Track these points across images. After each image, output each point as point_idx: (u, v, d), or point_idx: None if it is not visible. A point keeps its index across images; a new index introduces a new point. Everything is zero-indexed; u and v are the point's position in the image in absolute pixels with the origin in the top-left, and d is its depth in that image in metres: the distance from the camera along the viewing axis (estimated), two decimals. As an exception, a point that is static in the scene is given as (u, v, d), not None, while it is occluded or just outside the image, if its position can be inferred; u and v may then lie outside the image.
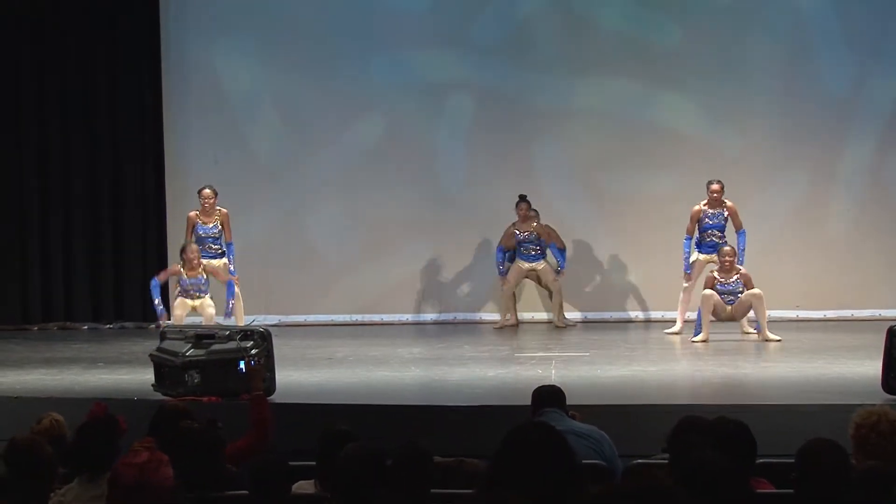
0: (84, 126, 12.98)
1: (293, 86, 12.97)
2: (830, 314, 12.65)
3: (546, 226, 12.29)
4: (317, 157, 13.04)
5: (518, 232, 12.24)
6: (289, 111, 13.04)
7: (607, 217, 12.92)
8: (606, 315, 12.85)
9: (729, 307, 10.94)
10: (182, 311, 11.33)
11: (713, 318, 10.94)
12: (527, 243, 12.25)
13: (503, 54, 12.92)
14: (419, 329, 12.65)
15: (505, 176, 12.77)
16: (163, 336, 8.31)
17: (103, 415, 5.22)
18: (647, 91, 12.81)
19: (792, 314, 12.60)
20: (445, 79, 12.92)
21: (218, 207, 11.67)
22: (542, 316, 12.83)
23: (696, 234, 11.40)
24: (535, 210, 12.26)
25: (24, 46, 12.88)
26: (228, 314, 11.46)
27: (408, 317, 12.97)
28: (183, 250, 11.34)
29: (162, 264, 12.56)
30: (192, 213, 11.70)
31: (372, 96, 12.97)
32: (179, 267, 11.35)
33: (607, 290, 12.95)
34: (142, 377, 8.37)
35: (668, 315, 12.00)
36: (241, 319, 11.42)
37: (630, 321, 12.77)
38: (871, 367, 8.00)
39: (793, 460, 4.06)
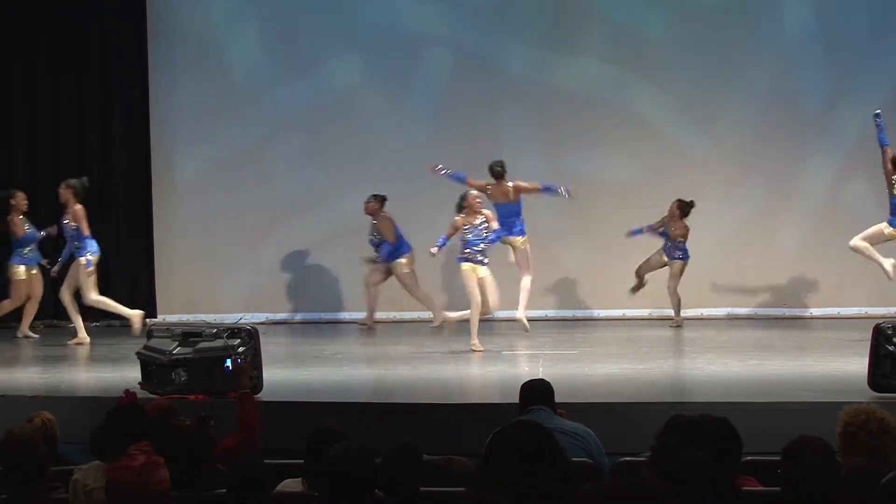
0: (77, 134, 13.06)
1: (278, 11, 13.06)
2: (816, 312, 12.73)
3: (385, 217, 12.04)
4: (288, 88, 13.06)
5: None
6: (270, 37, 13.09)
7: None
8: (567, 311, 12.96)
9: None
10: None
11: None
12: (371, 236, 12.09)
13: (489, 19, 13.00)
14: (405, 328, 12.65)
15: (470, 139, 12.80)
16: (150, 334, 8.30)
17: (132, 403, 5.28)
18: (623, 78, 12.90)
19: (779, 311, 12.69)
20: (428, 32, 13.00)
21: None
22: (537, 314, 12.86)
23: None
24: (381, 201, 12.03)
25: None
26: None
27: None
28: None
29: (149, 260, 12.58)
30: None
31: (353, 37, 13.03)
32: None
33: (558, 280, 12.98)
34: (129, 375, 8.35)
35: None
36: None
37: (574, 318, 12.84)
38: (857, 365, 8.02)
39: (779, 458, 4.07)
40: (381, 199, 12.02)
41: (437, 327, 11.39)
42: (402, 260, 11.96)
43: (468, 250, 10.38)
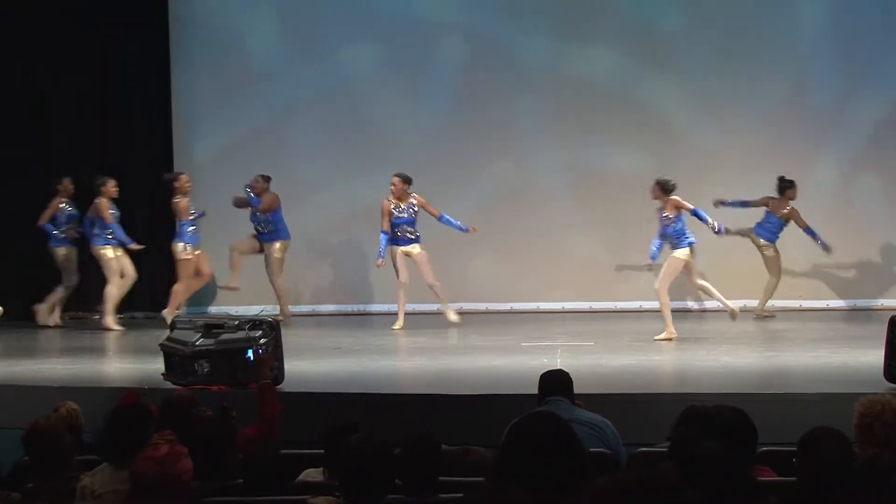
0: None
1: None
2: (834, 304, 12.68)
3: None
4: (304, 74, 13.11)
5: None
6: (287, 24, 13.13)
7: (574, 184, 12.99)
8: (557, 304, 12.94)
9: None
10: None
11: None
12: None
13: (504, 8, 13.02)
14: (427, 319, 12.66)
15: (483, 128, 12.86)
16: (173, 326, 8.33)
17: (134, 402, 5.27)
18: (636, 70, 12.89)
19: (795, 304, 12.65)
20: (443, 20, 13.03)
21: None
22: (550, 306, 12.87)
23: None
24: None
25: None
26: None
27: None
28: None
29: (168, 255, 12.65)
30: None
31: (368, 25, 13.05)
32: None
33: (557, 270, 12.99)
34: (152, 366, 8.39)
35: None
36: None
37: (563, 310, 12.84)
38: (874, 357, 7.99)
39: (795, 448, 4.06)
40: (267, 179, 12.07)
41: (283, 321, 11.43)
42: (277, 245, 12.06)
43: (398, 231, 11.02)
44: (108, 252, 11.91)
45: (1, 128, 13.01)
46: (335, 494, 4.25)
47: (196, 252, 11.93)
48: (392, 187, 11.56)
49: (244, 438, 5.51)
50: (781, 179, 11.84)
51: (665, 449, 4.52)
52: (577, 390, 5.88)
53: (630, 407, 7.01)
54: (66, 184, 12.22)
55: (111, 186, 11.91)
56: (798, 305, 12.67)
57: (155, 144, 13.26)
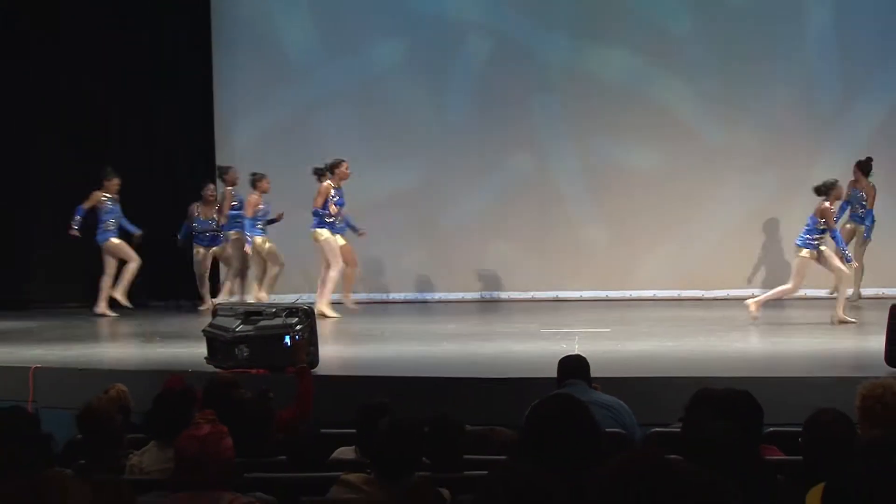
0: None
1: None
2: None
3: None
4: (337, 66, 13.09)
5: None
6: (322, 19, 13.16)
7: (590, 178, 12.93)
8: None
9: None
10: None
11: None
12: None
13: (528, 9, 12.97)
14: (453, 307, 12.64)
15: (503, 123, 12.83)
16: (215, 313, 8.35)
17: (180, 386, 5.29)
18: (651, 71, 12.84)
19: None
20: (470, 19, 13.01)
21: None
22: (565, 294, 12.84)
23: None
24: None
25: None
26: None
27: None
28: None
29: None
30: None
31: (400, 21, 13.04)
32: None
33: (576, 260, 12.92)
34: (196, 351, 8.40)
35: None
36: None
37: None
38: (876, 342, 7.92)
39: (801, 429, 4.02)
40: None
41: (205, 310, 11.65)
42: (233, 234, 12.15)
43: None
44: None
45: (58, 126, 13.05)
46: (367, 471, 4.25)
47: (266, 244, 11.94)
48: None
49: (281, 419, 5.52)
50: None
51: (677, 429, 4.49)
52: (593, 374, 5.86)
53: (644, 389, 6.97)
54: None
55: (265, 182, 11.92)
56: (803, 294, 12.56)
57: (198, 134, 13.29)
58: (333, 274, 11.32)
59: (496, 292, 13.02)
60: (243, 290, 12.24)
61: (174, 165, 13.38)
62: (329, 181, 11.29)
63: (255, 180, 11.99)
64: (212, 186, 12.45)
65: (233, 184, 12.24)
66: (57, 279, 13.11)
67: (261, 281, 12.12)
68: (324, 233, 11.31)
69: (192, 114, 13.31)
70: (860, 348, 8.57)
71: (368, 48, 13.12)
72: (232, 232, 12.24)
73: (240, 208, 12.13)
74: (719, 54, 12.78)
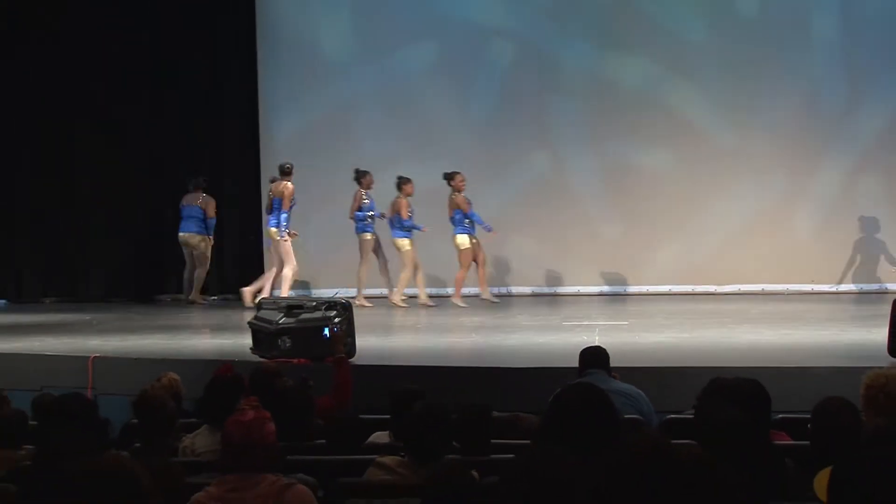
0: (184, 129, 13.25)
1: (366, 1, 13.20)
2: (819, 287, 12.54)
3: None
4: (371, 68, 13.11)
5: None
6: (358, 23, 13.18)
7: (607, 178, 12.87)
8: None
9: None
10: None
11: None
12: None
13: (550, 16, 12.93)
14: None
15: (524, 126, 12.82)
16: (259, 306, 8.39)
17: (229, 374, 5.34)
18: (665, 77, 12.79)
19: (807, 287, 12.51)
20: (494, 25, 13.00)
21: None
22: (589, 289, 12.82)
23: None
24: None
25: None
26: None
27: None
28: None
29: (257, 247, 12.68)
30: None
31: (429, 26, 13.04)
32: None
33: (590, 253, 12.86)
34: (241, 342, 8.45)
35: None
36: None
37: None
38: (879, 334, 7.87)
39: (809, 416, 4.01)
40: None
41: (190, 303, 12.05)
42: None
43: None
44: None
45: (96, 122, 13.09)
46: (400, 454, 4.26)
47: (473, 241, 11.56)
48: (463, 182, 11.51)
49: (320, 405, 5.54)
50: None
51: (691, 416, 4.49)
52: (613, 364, 5.85)
53: (660, 379, 6.95)
54: (369, 178, 11.81)
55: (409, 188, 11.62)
56: (810, 289, 12.50)
57: (244, 129, 13.31)
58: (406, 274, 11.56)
59: (521, 287, 13.00)
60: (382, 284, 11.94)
61: (220, 166, 13.38)
62: (401, 196, 11.54)
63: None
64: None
65: (368, 187, 11.84)
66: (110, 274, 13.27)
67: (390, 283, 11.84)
68: (406, 242, 11.59)
69: (237, 113, 13.32)
70: (864, 340, 8.51)
71: (399, 51, 13.13)
72: (367, 233, 11.75)
73: (367, 210, 11.71)
74: (731, 61, 12.72)
